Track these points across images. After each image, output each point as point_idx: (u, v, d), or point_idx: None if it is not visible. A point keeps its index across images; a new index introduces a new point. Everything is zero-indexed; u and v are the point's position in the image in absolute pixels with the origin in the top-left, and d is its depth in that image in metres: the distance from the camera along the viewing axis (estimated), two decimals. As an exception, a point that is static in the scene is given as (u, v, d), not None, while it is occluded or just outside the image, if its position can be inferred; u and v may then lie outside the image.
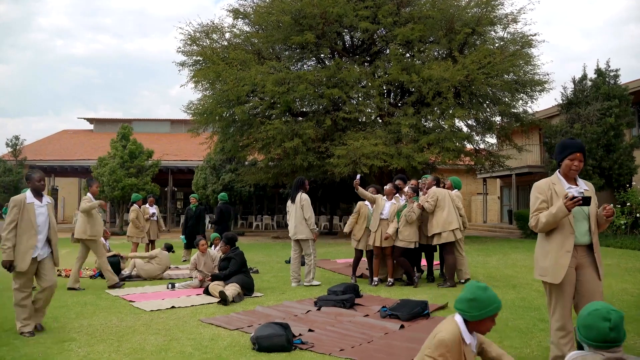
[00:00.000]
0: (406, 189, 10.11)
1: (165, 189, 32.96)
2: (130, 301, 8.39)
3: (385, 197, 10.10)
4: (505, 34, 22.78)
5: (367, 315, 7.11)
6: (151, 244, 14.77)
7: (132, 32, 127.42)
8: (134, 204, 14.17)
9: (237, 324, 6.62)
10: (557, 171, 4.67)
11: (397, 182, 10.74)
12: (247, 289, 8.78)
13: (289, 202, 10.35)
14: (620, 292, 8.84)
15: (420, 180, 10.74)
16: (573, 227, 4.45)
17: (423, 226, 9.96)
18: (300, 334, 5.98)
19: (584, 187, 4.59)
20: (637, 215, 18.78)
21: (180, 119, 41.36)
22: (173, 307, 7.86)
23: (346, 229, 10.59)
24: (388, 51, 22.35)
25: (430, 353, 3.39)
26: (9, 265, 6.28)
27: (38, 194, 6.58)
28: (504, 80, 21.15)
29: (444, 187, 10.41)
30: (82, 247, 10.03)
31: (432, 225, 9.68)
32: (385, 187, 10.33)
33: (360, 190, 9.87)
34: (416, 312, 6.89)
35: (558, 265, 4.45)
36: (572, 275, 4.48)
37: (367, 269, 10.71)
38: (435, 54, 22.84)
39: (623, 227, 19.15)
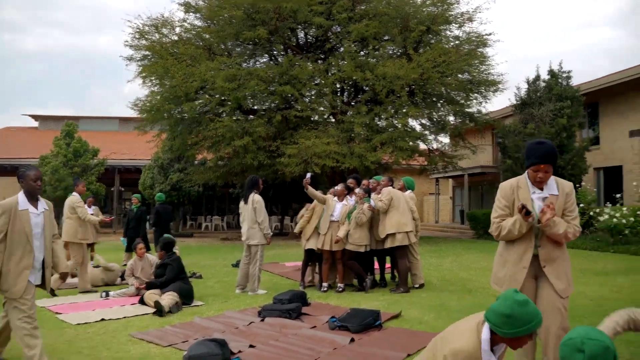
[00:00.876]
0: (357, 190, 9.56)
1: (112, 189, 31.93)
2: (57, 313, 7.60)
3: (336, 198, 9.54)
4: (461, 33, 22.58)
5: (314, 326, 6.53)
6: (90, 247, 13.94)
7: (86, 28, 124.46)
8: (70, 205, 13.31)
9: (171, 339, 5.96)
10: (525, 172, 4.24)
11: (349, 181, 10.12)
12: (186, 297, 8.08)
13: (241, 203, 9.59)
14: (577, 296, 8.47)
15: (371, 180, 10.19)
16: (534, 239, 4.09)
17: (374, 229, 9.41)
18: (239, 351, 5.38)
19: (551, 191, 4.16)
20: (591, 214, 18.70)
21: (129, 116, 40.17)
22: (103, 319, 7.13)
23: (297, 229, 9.99)
24: (342, 48, 21.87)
25: None
26: None
27: (33, 198, 5.02)
28: (459, 80, 20.91)
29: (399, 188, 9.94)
30: (74, 250, 9.79)
31: (385, 227, 9.12)
32: (336, 188, 9.77)
33: (310, 190, 9.22)
34: (367, 322, 6.35)
35: (513, 280, 4.13)
36: (530, 288, 4.15)
37: (316, 272, 10.14)
38: (390, 52, 22.45)
39: (576, 227, 19.01)
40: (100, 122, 42.53)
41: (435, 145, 24.15)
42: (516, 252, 4.15)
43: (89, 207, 14.05)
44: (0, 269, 4.77)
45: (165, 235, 9.62)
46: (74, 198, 9.95)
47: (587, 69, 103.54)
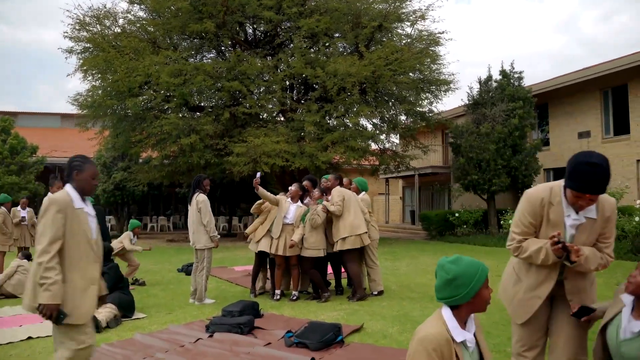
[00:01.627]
0: (315, 191, 8.94)
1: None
2: (-23, 329, 6.74)
3: (289, 199, 8.90)
4: (413, 31, 22.17)
5: (269, 343, 5.87)
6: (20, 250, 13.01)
7: (28, 21, 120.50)
8: (1, 207, 12.26)
9: (107, 362, 5.27)
10: (562, 185, 3.43)
11: (305, 183, 9.37)
12: (126, 310, 7.32)
13: (188, 205, 8.88)
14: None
15: (322, 179, 9.55)
16: (559, 269, 3.46)
17: (328, 232, 8.83)
18: (185, 375, 4.75)
19: (588, 213, 3.40)
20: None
21: (72, 113, 38.68)
22: (30, 337, 6.35)
23: (249, 229, 9.32)
24: (292, 45, 21.23)
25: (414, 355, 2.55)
26: (57, 314, 3.57)
27: (84, 198, 3.96)
28: (411, 78, 20.53)
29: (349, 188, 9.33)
30: None
31: (338, 230, 8.50)
32: (290, 188, 9.10)
33: (261, 190, 8.51)
34: (328, 339, 5.74)
35: (524, 306, 3.57)
36: (543, 310, 3.58)
37: (268, 278, 9.48)
38: (341, 49, 21.95)
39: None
40: (41, 118, 40.78)
41: (387, 145, 23.79)
42: (534, 277, 3.55)
43: (22, 209, 13.15)
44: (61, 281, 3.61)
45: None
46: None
47: (530, 73, 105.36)
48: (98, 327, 6.45)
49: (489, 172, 20.30)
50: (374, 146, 23.24)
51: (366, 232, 8.64)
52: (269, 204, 9.02)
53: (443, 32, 21.49)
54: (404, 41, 21.75)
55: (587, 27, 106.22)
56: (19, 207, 13.13)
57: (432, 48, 21.33)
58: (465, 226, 21.68)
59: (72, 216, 3.73)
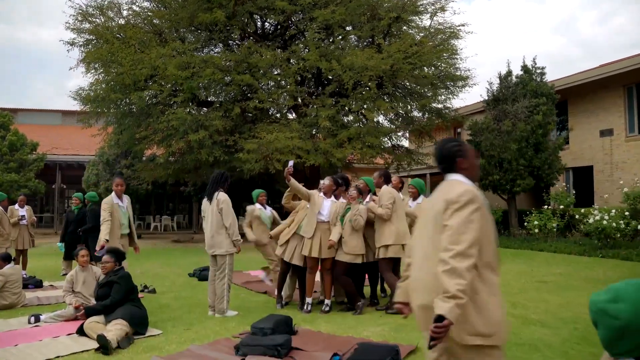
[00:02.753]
0: (351, 190, 7.96)
1: (53, 187, 29.72)
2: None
3: (322, 194, 7.90)
4: (432, 23, 21.11)
5: (313, 370, 4.93)
6: (22, 254, 12.05)
7: (25, 20, 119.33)
8: (-3, 205, 11.26)
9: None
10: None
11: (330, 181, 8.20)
12: (139, 326, 6.29)
13: (204, 202, 7.90)
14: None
15: (359, 182, 8.55)
16: None
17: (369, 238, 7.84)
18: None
19: None
20: (575, 215, 17.72)
21: (73, 110, 37.74)
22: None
23: (275, 232, 8.34)
24: (305, 37, 20.22)
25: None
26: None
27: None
28: (431, 73, 19.58)
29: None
30: None
31: (382, 235, 7.54)
32: (322, 182, 8.05)
33: (293, 182, 7.53)
34: (385, 365, 4.80)
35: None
36: None
37: (296, 287, 8.50)
38: (356, 42, 20.91)
39: (555, 229, 18.00)
40: (42, 115, 39.89)
41: (401, 143, 22.87)
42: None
43: (20, 207, 12.20)
44: None
45: (114, 246, 7.83)
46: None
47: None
48: (108, 349, 5.47)
49: (511, 172, 19.34)
50: (387, 143, 22.22)
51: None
52: (295, 202, 8.08)
53: (463, 25, 20.43)
54: (421, 34, 20.69)
55: (585, 28, 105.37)
56: (16, 206, 12.17)
57: (452, 41, 20.31)
58: (485, 227, 20.62)
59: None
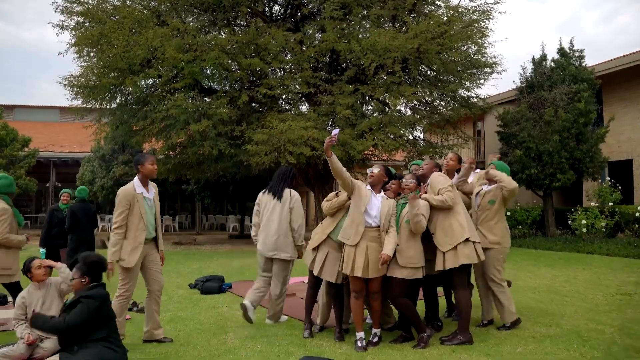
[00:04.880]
0: (408, 178, 5.90)
1: (47, 185, 28.09)
2: None
3: (371, 188, 5.82)
4: (461, 1, 18.86)
5: None
6: None
7: (30, 20, 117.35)
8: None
9: None
10: None
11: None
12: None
13: (264, 198, 6.87)
14: None
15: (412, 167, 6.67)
16: None
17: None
18: None
19: None
20: (628, 212, 15.87)
21: (71, 106, 35.82)
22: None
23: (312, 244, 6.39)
24: (319, 18, 18.17)
25: None
26: None
27: None
28: (459, 56, 17.54)
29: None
30: None
31: (452, 232, 5.60)
32: (371, 171, 5.88)
33: (334, 160, 5.54)
34: None
35: None
36: None
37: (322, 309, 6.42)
38: (377, 22, 18.70)
39: (603, 229, 16.04)
40: (40, 112, 38.33)
41: (421, 135, 20.85)
42: None
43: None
44: None
45: (87, 252, 5.65)
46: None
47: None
48: None
49: (551, 165, 17.35)
50: (409, 135, 20.15)
51: (479, 242, 5.77)
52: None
53: (497, 3, 18.13)
54: (450, 12, 18.46)
55: (588, 27, 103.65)
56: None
57: (484, 21, 18.14)
58: (520, 227, 18.61)
59: None
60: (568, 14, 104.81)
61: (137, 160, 6.11)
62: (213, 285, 9.32)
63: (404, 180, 5.76)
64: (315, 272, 5.94)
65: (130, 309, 7.57)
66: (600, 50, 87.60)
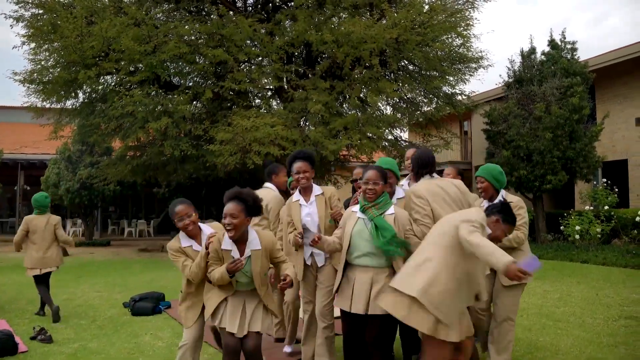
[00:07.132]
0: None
1: (15, 188, 26.70)
2: None
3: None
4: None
5: None
6: None
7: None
8: None
9: None
10: None
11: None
12: None
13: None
14: None
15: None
16: None
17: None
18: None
19: None
20: (625, 216, 14.64)
21: (46, 107, 34.38)
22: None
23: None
24: (291, 4, 16.82)
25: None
26: None
27: None
28: (442, 48, 16.27)
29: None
30: None
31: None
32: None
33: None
34: None
35: None
36: None
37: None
38: (353, 11, 17.36)
39: (599, 236, 14.77)
40: (11, 113, 36.71)
41: (405, 135, 19.53)
42: None
43: None
44: None
45: None
46: None
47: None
48: None
49: (542, 165, 16.09)
50: (389, 135, 18.80)
51: None
52: None
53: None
54: (431, 1, 17.14)
55: (579, 30, 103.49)
56: None
57: (468, 10, 16.87)
58: (509, 233, 17.34)
59: None
60: (559, 16, 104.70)
61: (270, 170, 6.02)
62: (146, 306, 7.96)
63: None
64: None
65: (33, 337, 6.27)
66: (591, 53, 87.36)
